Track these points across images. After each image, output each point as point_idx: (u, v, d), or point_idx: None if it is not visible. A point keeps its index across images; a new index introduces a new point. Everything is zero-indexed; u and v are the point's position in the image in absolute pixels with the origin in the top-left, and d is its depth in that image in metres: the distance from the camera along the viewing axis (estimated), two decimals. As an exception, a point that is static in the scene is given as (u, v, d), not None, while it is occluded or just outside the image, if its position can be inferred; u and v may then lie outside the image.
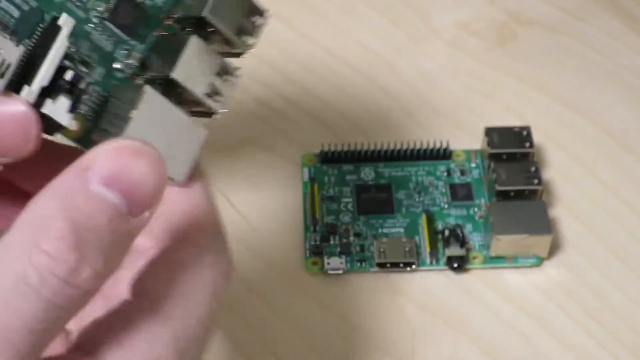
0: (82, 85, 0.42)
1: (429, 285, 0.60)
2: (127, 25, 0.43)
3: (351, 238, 0.61)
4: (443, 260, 0.60)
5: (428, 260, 0.60)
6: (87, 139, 0.42)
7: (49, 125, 0.42)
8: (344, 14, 0.70)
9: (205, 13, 0.41)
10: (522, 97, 0.67)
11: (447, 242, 0.60)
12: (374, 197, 0.62)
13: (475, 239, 0.61)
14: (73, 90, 0.41)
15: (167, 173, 0.38)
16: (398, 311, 0.59)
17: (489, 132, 0.63)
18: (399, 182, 0.63)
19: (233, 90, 0.43)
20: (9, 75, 0.39)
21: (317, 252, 0.60)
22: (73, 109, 0.41)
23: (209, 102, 0.42)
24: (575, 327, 0.58)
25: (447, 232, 0.60)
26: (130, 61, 0.44)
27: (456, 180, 0.63)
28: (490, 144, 0.62)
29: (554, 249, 0.61)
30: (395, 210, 0.62)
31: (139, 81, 0.43)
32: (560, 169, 0.64)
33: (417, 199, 0.62)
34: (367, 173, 0.63)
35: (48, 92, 0.41)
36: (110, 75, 0.43)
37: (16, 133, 0.39)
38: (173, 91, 0.43)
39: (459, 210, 0.62)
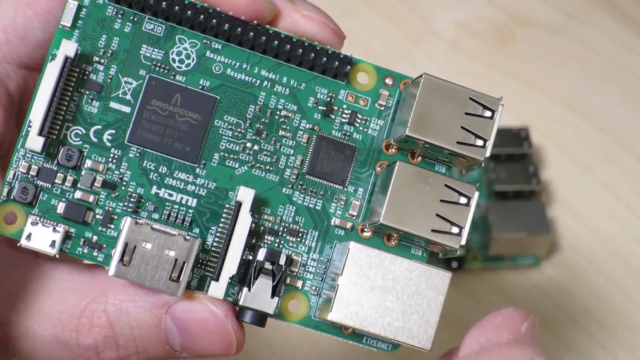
0: (281, 261, 0.39)
1: (429, 285, 0.60)
2: (336, 171, 0.40)
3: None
4: (442, 259, 0.60)
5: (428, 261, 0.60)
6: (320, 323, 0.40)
7: (256, 316, 0.39)
8: (344, 14, 0.70)
9: (408, 132, 0.38)
10: (521, 97, 0.67)
11: (446, 242, 0.60)
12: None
13: (474, 239, 0.61)
14: (274, 270, 0.39)
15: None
16: (398, 310, 0.59)
17: (489, 132, 0.63)
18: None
19: (465, 219, 0.40)
20: (186, 276, 0.38)
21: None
22: (275, 292, 0.39)
23: (440, 240, 0.40)
24: (573, 326, 0.59)
25: (446, 232, 0.60)
26: (351, 213, 0.41)
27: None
28: (489, 144, 0.62)
29: (553, 248, 0.61)
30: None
31: (366, 233, 0.41)
32: (559, 169, 0.64)
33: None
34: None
35: (241, 280, 0.39)
36: (327, 235, 0.40)
37: (213, 339, 0.40)
38: (396, 235, 0.40)
39: (459, 209, 0.62)
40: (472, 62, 0.68)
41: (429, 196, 0.39)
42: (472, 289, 0.60)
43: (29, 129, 0.38)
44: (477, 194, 0.40)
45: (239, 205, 0.38)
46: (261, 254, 0.39)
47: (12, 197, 0.39)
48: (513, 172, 0.62)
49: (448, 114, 0.39)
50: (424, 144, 0.39)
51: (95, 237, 0.39)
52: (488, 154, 0.40)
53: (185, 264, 0.38)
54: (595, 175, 0.64)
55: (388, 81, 0.41)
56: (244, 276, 0.39)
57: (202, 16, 0.39)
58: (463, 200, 0.40)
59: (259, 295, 0.39)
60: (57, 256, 0.39)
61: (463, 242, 0.40)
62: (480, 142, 0.40)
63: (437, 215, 0.39)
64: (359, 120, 0.41)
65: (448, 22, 0.69)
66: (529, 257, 0.61)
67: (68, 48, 0.38)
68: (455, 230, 0.40)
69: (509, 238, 0.59)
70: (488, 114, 0.40)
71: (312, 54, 0.40)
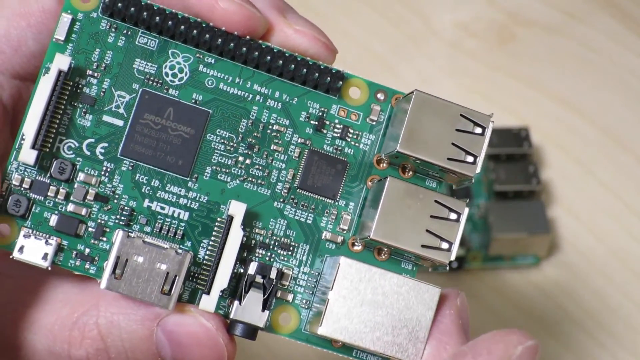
0: (272, 275, 0.39)
1: (428, 285, 0.60)
2: (327, 185, 0.40)
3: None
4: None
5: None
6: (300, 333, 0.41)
7: (247, 329, 0.40)
8: (344, 14, 0.70)
9: (399, 148, 0.39)
10: (520, 97, 0.67)
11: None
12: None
13: (474, 239, 0.61)
14: (264, 283, 0.39)
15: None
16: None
17: (488, 132, 0.63)
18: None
19: (455, 235, 0.40)
20: (177, 289, 0.38)
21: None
22: (266, 306, 0.39)
23: (429, 255, 0.40)
24: (573, 325, 0.59)
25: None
26: (342, 227, 0.41)
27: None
28: (489, 144, 0.62)
29: (553, 248, 0.61)
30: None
31: (357, 247, 0.41)
32: (558, 169, 0.64)
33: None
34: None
35: (232, 293, 0.39)
36: (318, 248, 0.41)
37: (204, 353, 0.40)
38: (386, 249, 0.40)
39: (459, 210, 0.62)
40: (472, 62, 0.68)
41: (419, 212, 0.40)
42: (472, 289, 0.60)
43: (22, 142, 0.38)
44: (466, 210, 0.40)
45: (230, 219, 0.38)
46: (252, 268, 0.39)
47: (5, 210, 0.39)
48: (513, 172, 0.62)
49: (439, 130, 0.40)
50: (414, 159, 0.40)
51: (87, 250, 0.39)
52: (478, 170, 0.40)
53: (177, 278, 0.38)
54: (595, 175, 0.64)
55: (380, 96, 0.41)
56: (235, 289, 0.40)
57: (195, 31, 0.39)
58: (453, 216, 0.40)
59: (250, 308, 0.39)
60: (49, 269, 0.39)
61: (452, 258, 0.40)
62: (470, 159, 0.40)
63: (427, 230, 0.40)
64: (350, 135, 0.41)
65: (448, 22, 0.69)
66: (528, 257, 0.61)
67: (61, 62, 0.38)
68: (444, 245, 0.40)
69: (509, 238, 0.60)
70: (479, 130, 0.40)
71: (305, 69, 0.40)
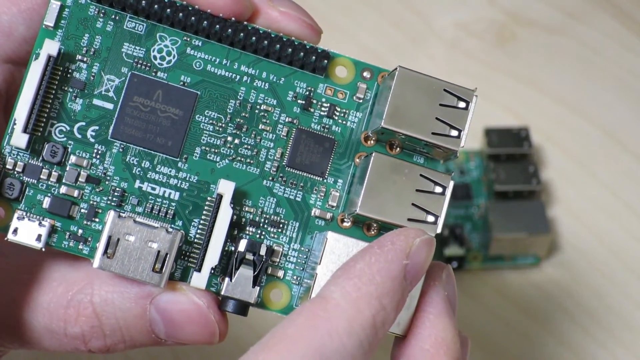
0: (262, 251, 0.40)
1: (428, 284, 0.60)
2: (315, 164, 0.41)
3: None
4: (443, 259, 0.60)
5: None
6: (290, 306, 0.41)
7: (238, 305, 0.40)
8: (344, 14, 0.71)
9: (383, 124, 0.39)
10: (520, 97, 0.67)
11: (446, 242, 0.60)
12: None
13: (474, 239, 0.61)
14: (255, 260, 0.40)
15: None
16: (397, 310, 0.59)
17: (488, 132, 0.63)
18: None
19: (441, 208, 0.40)
20: (169, 268, 0.39)
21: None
22: (257, 282, 0.40)
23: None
24: (573, 325, 0.58)
25: (446, 232, 0.61)
26: (330, 204, 0.42)
27: (455, 180, 0.63)
28: (489, 144, 0.62)
29: (553, 248, 0.61)
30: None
31: (346, 223, 0.42)
32: (558, 169, 0.64)
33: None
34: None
35: (223, 270, 0.40)
36: (308, 225, 0.41)
37: (196, 329, 0.41)
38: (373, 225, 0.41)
39: (458, 210, 0.62)
40: (472, 62, 0.68)
41: (405, 186, 0.40)
42: (472, 289, 0.60)
43: (14, 126, 0.39)
44: (452, 183, 0.40)
45: (219, 197, 0.39)
46: (242, 245, 0.40)
47: None
48: (513, 172, 0.62)
49: (423, 106, 0.40)
50: (400, 135, 0.40)
51: (80, 231, 0.40)
52: (463, 143, 0.41)
53: (168, 256, 0.39)
54: (595, 175, 0.64)
55: (366, 74, 0.42)
56: (226, 267, 0.40)
57: (181, 14, 0.39)
58: (438, 189, 0.40)
59: (241, 285, 0.40)
60: (44, 249, 0.40)
61: (438, 230, 0.40)
62: (454, 133, 0.40)
63: (413, 204, 0.40)
64: (337, 113, 0.41)
65: (448, 22, 0.70)
66: (529, 257, 0.61)
67: (51, 47, 0.39)
68: (430, 218, 0.40)
69: (509, 238, 0.60)
70: (462, 105, 0.41)
71: (290, 49, 0.40)
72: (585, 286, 0.60)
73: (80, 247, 0.40)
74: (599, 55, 0.68)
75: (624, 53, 0.68)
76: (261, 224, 0.41)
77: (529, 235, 0.59)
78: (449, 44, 0.68)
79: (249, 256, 0.40)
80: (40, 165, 0.40)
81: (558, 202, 0.63)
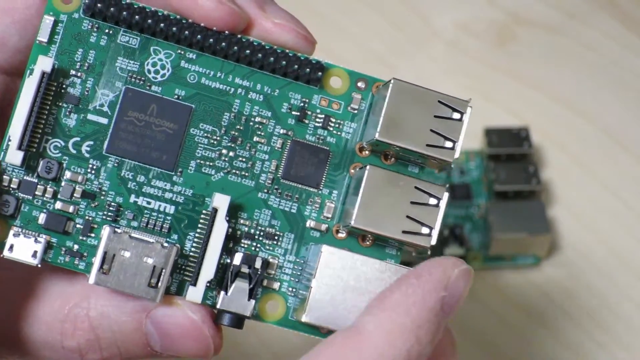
0: (257, 264, 0.40)
1: (428, 285, 0.60)
2: (310, 175, 0.41)
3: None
4: (442, 259, 0.61)
5: (427, 260, 0.60)
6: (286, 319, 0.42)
7: (234, 319, 0.41)
8: (344, 14, 0.70)
9: (377, 136, 0.40)
10: (521, 97, 0.67)
11: (446, 242, 0.60)
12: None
13: (474, 239, 0.61)
14: (250, 273, 0.40)
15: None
16: (397, 311, 0.59)
17: (488, 132, 0.63)
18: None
19: (435, 219, 0.41)
20: (164, 282, 0.39)
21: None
22: (252, 295, 0.40)
23: (410, 240, 0.41)
24: (573, 326, 0.59)
25: (446, 232, 0.61)
26: (325, 215, 0.42)
27: (455, 180, 0.63)
28: (489, 144, 0.62)
29: (553, 248, 0.61)
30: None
31: (341, 234, 0.42)
32: (559, 169, 0.64)
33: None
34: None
35: (219, 283, 0.40)
36: (303, 237, 0.42)
37: (191, 344, 0.41)
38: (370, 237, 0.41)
39: (458, 210, 0.62)
40: (472, 62, 0.68)
41: (400, 198, 0.40)
42: (472, 289, 0.60)
43: (9, 143, 0.39)
44: (446, 195, 0.41)
45: (215, 211, 0.39)
46: (238, 258, 0.40)
47: None
48: (513, 172, 0.62)
49: (417, 118, 0.40)
50: (394, 147, 0.40)
51: (76, 246, 0.40)
52: (457, 155, 0.41)
53: (164, 270, 0.39)
54: (595, 175, 0.64)
55: (360, 85, 0.42)
56: (222, 280, 0.40)
57: (175, 28, 0.40)
58: (433, 201, 0.40)
59: (236, 298, 0.40)
60: (39, 266, 0.40)
61: (433, 242, 0.41)
62: (449, 144, 0.40)
63: (408, 216, 0.40)
64: (332, 124, 0.41)
65: (448, 22, 0.70)
66: (529, 257, 0.61)
67: (44, 64, 0.39)
68: (425, 230, 0.40)
69: (509, 238, 0.60)
70: (457, 116, 0.41)
71: (284, 61, 0.40)
72: (585, 286, 0.60)
73: (76, 262, 0.40)
74: (600, 55, 0.68)
75: (624, 53, 0.68)
76: (256, 236, 0.41)
77: (529, 235, 0.59)
78: (449, 43, 0.68)
79: (245, 269, 0.40)
80: (36, 181, 0.40)
81: (558, 202, 0.63)
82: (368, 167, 0.40)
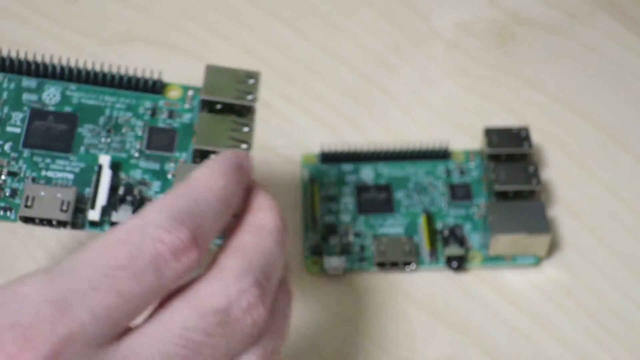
0: (135, 192, 0.51)
1: (428, 285, 0.60)
2: (165, 145, 0.53)
3: (351, 238, 0.61)
4: (442, 260, 0.60)
5: (427, 260, 0.60)
6: None
7: None
8: (344, 14, 0.70)
9: (202, 96, 0.52)
10: (521, 97, 0.67)
11: (446, 242, 0.60)
12: (374, 197, 0.63)
13: (474, 239, 0.61)
14: (132, 200, 0.51)
15: None
16: (398, 311, 0.59)
17: (488, 132, 0.63)
18: (399, 182, 0.63)
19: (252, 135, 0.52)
20: (71, 209, 0.50)
21: (317, 252, 0.61)
22: (134, 212, 0.51)
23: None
24: (574, 326, 0.59)
25: (446, 232, 0.61)
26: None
27: (455, 181, 0.63)
28: (489, 144, 0.62)
29: (553, 248, 0.61)
30: (395, 210, 0.62)
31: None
32: (559, 169, 0.64)
33: (416, 199, 0.63)
34: (367, 173, 0.64)
35: (113, 207, 0.51)
36: (167, 183, 0.53)
37: None
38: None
39: (458, 210, 0.62)
40: (472, 61, 0.68)
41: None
42: (472, 289, 0.60)
43: None
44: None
45: (100, 166, 0.52)
46: (121, 190, 0.52)
47: None
48: (513, 172, 0.62)
49: (225, 81, 0.53)
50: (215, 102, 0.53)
51: (5, 205, 0.51)
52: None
53: (70, 202, 0.51)
54: (595, 175, 0.64)
55: (190, 92, 0.54)
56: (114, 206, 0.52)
57: (58, 71, 0.54)
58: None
59: (123, 215, 0.51)
60: None
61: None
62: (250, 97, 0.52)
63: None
64: (174, 116, 0.54)
65: (448, 22, 0.69)
66: (529, 257, 0.61)
67: None
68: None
69: (509, 238, 0.60)
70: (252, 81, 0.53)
71: (137, 82, 0.54)
72: (585, 286, 0.60)
73: (8, 215, 0.50)
74: (600, 55, 0.68)
75: (625, 53, 0.68)
76: (133, 185, 0.52)
77: (529, 235, 0.59)
78: (449, 43, 0.68)
79: (128, 198, 0.51)
80: None
81: (558, 202, 0.63)
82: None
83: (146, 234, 0.41)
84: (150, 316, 0.41)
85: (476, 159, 0.64)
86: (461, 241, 0.60)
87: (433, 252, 0.61)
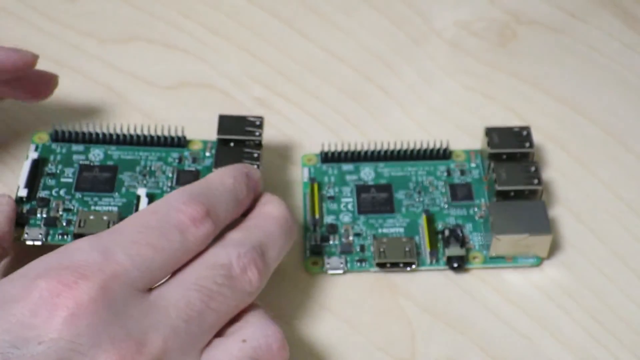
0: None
1: (429, 285, 0.60)
2: (191, 182, 0.55)
3: (351, 238, 0.61)
4: (443, 260, 0.60)
5: (428, 260, 0.60)
6: None
7: None
8: (344, 14, 0.70)
9: (219, 135, 0.61)
10: (522, 97, 0.67)
11: (447, 242, 0.60)
12: (374, 197, 0.63)
13: (475, 239, 0.61)
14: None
15: None
16: (398, 311, 0.59)
17: (489, 132, 0.63)
18: (399, 181, 0.63)
19: None
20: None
21: (317, 252, 0.60)
22: None
23: None
24: (574, 326, 0.58)
25: (447, 232, 0.60)
26: None
27: (456, 180, 0.63)
28: (490, 144, 0.62)
29: (554, 249, 0.61)
30: (395, 210, 0.62)
31: None
32: (560, 169, 0.64)
33: (417, 199, 0.62)
34: (367, 173, 0.64)
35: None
36: None
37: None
38: None
39: (459, 210, 0.62)
40: (473, 61, 0.68)
41: None
42: (472, 289, 0.60)
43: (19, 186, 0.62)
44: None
45: (138, 196, 0.60)
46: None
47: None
48: (514, 171, 0.61)
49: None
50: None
51: (62, 232, 0.60)
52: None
53: (113, 221, 0.59)
54: (597, 175, 0.64)
55: (209, 145, 0.64)
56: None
57: (101, 137, 0.64)
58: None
59: None
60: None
61: None
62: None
63: None
64: (198, 161, 0.64)
65: (449, 21, 0.69)
66: (530, 258, 0.61)
67: (34, 155, 0.63)
68: None
69: (509, 238, 0.59)
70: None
71: (162, 139, 0.64)
72: (586, 287, 0.60)
73: (65, 238, 0.59)
74: (601, 55, 0.68)
75: (626, 52, 0.68)
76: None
77: (530, 236, 0.59)
78: (450, 43, 0.68)
79: None
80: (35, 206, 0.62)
81: (559, 202, 0.63)
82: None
83: (170, 207, 0.50)
84: (173, 275, 0.50)
85: (477, 159, 0.64)
86: (462, 241, 0.60)
87: (433, 252, 0.60)
